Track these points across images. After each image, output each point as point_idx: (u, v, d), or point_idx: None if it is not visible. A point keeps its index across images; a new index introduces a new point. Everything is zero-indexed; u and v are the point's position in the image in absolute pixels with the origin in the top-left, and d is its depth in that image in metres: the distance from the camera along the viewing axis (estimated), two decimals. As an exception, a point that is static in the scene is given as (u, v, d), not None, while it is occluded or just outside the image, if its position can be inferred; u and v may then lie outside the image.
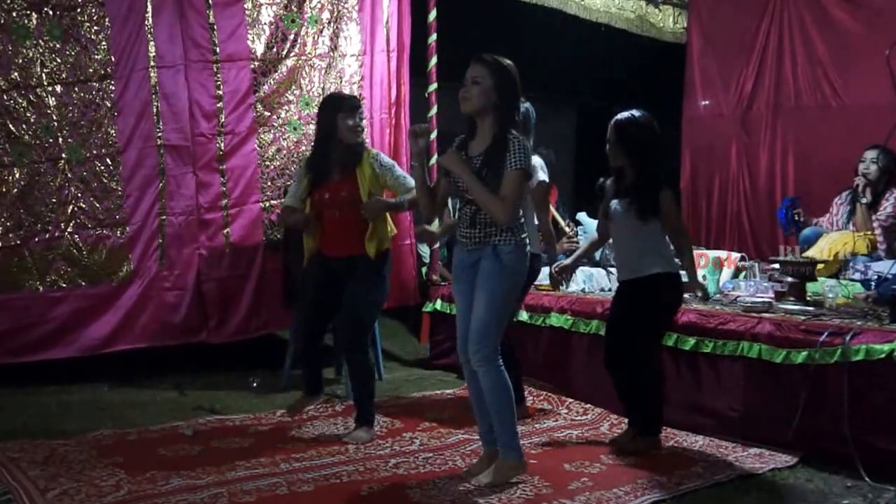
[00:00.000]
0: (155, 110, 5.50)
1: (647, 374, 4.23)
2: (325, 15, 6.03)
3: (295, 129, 5.90)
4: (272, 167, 5.85)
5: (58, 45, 5.25)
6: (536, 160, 4.64)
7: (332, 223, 4.40)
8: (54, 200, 5.27)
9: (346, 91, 6.00)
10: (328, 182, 4.37)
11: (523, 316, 5.46)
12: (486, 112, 3.61)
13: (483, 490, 3.61)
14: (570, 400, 5.13)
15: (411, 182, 4.32)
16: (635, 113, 4.17)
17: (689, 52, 8.11)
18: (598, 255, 5.85)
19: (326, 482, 3.69)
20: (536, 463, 3.96)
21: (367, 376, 4.48)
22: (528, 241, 3.71)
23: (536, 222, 4.71)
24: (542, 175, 4.74)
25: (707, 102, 8.02)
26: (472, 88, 3.61)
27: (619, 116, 4.19)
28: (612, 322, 4.37)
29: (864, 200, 5.86)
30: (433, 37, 6.39)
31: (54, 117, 5.25)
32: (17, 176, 5.19)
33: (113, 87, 5.40)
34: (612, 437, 4.40)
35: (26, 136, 5.19)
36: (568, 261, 4.63)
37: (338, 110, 4.36)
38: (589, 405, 5.00)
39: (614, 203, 4.25)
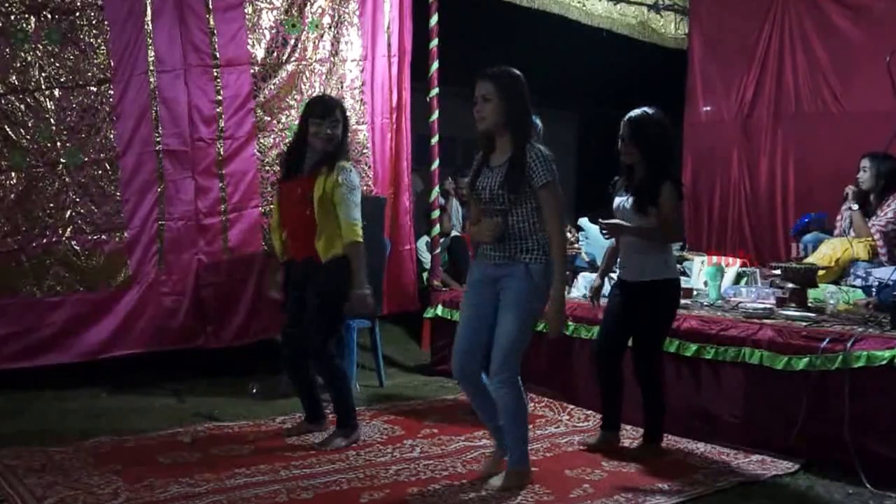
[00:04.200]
0: (154, 115, 5.48)
1: (654, 380, 4.24)
2: (326, 20, 6.01)
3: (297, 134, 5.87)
4: (272, 172, 5.81)
5: (56, 49, 5.22)
6: None
7: (289, 222, 4.41)
8: (52, 205, 5.25)
9: (347, 96, 6.00)
10: (295, 177, 4.37)
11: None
12: (501, 127, 3.61)
13: (485, 497, 3.59)
14: (572, 406, 5.12)
15: (354, 217, 4.21)
16: (648, 110, 4.17)
17: (691, 58, 8.12)
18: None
19: (326, 489, 3.67)
20: (538, 470, 3.93)
21: (336, 382, 4.39)
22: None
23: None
24: None
25: (708, 108, 8.02)
26: (484, 106, 3.60)
27: (632, 113, 4.19)
28: (610, 318, 4.32)
29: (855, 207, 5.85)
30: (434, 42, 6.38)
31: (52, 122, 5.23)
32: (15, 180, 5.16)
33: (112, 92, 5.37)
34: (591, 444, 4.36)
35: (24, 141, 5.16)
36: (597, 281, 4.59)
37: (308, 114, 4.37)
38: (590, 411, 4.97)
39: (619, 199, 4.26)
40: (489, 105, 3.58)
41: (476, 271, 3.76)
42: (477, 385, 3.73)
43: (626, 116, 4.19)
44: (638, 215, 4.11)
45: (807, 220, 6.40)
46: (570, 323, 5.19)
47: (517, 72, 3.66)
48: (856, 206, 5.83)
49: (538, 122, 4.75)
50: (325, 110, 4.33)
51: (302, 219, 4.31)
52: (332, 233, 4.26)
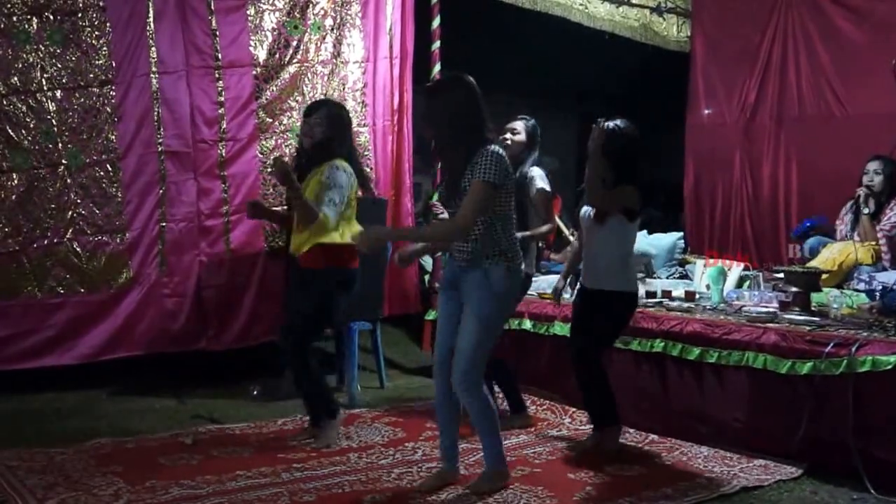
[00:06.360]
0: (156, 116, 5.47)
1: (601, 372, 4.31)
2: (328, 21, 6.01)
3: (297, 135, 5.86)
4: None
5: (58, 50, 5.21)
6: (535, 170, 4.65)
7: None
8: (53, 206, 5.24)
9: (349, 98, 6.00)
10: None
11: (527, 325, 5.45)
12: (440, 136, 3.62)
13: (487, 501, 3.58)
14: (574, 409, 5.10)
15: (327, 212, 4.22)
16: (620, 123, 4.23)
17: (693, 60, 8.12)
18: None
19: (328, 492, 3.66)
20: (540, 472, 3.93)
21: (307, 378, 4.39)
22: (521, 263, 3.63)
23: (544, 228, 4.69)
24: (542, 183, 4.73)
25: (710, 111, 8.01)
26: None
27: (604, 125, 4.21)
28: (574, 325, 4.48)
29: (866, 211, 5.84)
30: (436, 44, 6.38)
31: (54, 123, 5.22)
32: (17, 181, 5.15)
33: (114, 93, 5.36)
34: (593, 444, 4.39)
35: (26, 142, 5.15)
36: (560, 283, 4.74)
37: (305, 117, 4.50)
38: (592, 415, 4.96)
39: (586, 208, 4.34)
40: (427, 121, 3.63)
41: (446, 271, 3.77)
42: (447, 388, 3.67)
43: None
44: (597, 225, 4.23)
45: (808, 224, 6.39)
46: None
47: (449, 77, 3.67)
48: (866, 211, 5.80)
49: (534, 122, 4.77)
50: (308, 109, 4.51)
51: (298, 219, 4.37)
52: (318, 235, 4.30)
